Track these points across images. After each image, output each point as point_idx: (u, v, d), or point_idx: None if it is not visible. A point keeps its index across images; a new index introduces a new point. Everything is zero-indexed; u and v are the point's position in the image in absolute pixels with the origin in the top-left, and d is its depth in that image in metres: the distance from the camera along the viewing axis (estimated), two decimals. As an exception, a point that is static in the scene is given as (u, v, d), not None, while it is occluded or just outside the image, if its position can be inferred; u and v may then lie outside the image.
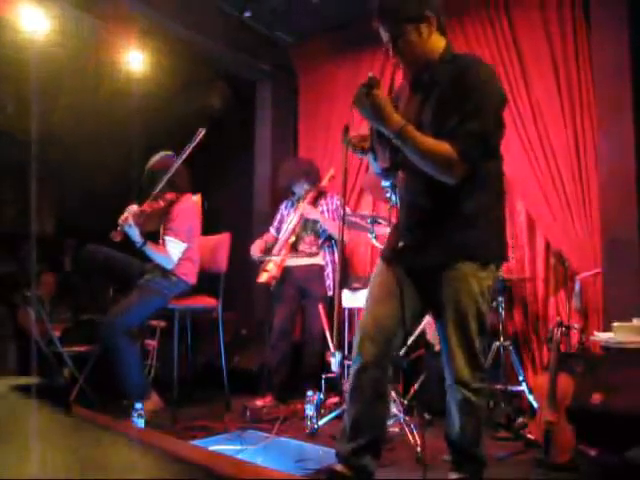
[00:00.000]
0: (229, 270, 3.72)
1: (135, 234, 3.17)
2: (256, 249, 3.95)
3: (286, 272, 3.85)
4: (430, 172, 1.83)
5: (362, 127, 2.00)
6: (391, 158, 1.99)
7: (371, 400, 1.94)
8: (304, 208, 3.88)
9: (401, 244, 1.98)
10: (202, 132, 3.30)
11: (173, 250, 3.32)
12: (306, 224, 3.93)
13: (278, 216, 4.14)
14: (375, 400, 1.94)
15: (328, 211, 3.95)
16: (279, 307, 3.94)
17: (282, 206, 4.16)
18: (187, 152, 3.32)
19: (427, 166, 1.82)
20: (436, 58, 1.92)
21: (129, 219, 3.13)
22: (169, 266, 3.33)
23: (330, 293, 3.92)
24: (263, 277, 3.83)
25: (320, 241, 3.95)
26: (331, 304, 4.26)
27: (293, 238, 3.89)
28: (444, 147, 1.78)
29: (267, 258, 3.86)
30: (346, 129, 1.97)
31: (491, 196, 1.93)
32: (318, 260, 3.93)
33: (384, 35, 1.91)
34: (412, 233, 1.98)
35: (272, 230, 4.11)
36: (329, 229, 3.88)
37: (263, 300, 4.86)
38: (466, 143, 1.78)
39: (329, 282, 3.90)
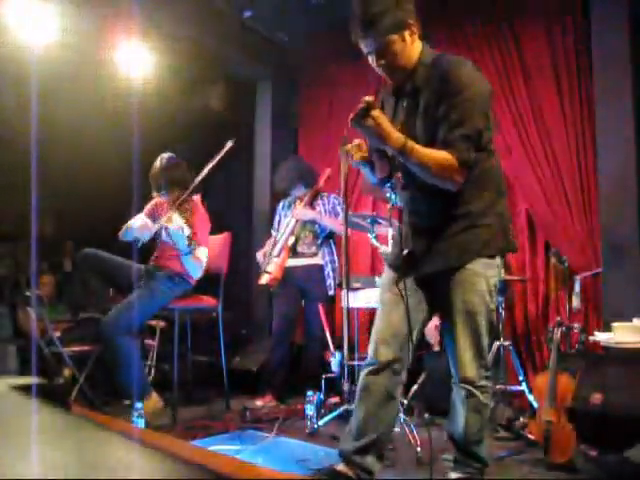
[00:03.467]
0: (229, 270, 3.72)
1: (184, 240, 3.11)
2: (261, 255, 3.97)
3: (286, 273, 3.86)
4: (434, 183, 1.84)
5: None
6: (389, 168, 2.01)
7: (381, 402, 1.95)
8: (299, 212, 3.88)
9: (406, 252, 1.99)
10: (230, 144, 3.27)
11: (204, 258, 3.37)
12: (304, 225, 3.93)
13: (276, 217, 4.14)
14: (385, 402, 1.96)
15: (325, 211, 3.95)
16: (279, 308, 3.94)
17: (279, 207, 4.17)
18: (215, 162, 3.28)
19: (431, 178, 1.84)
20: (416, 63, 1.91)
21: (178, 222, 3.10)
22: (198, 274, 3.38)
23: (330, 292, 3.91)
24: (264, 279, 3.83)
25: (319, 241, 3.95)
26: (332, 304, 4.26)
27: (292, 239, 3.89)
28: (444, 156, 1.79)
29: (268, 257, 3.87)
30: (344, 140, 2.00)
31: (491, 193, 1.94)
32: (317, 260, 3.93)
33: (366, 46, 1.89)
34: (417, 240, 1.99)
35: (274, 232, 4.11)
36: (328, 225, 3.87)
37: (263, 300, 4.86)
38: (462, 149, 1.79)
39: (329, 281, 3.90)
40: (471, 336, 1.90)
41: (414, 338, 1.97)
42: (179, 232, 3.11)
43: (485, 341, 1.92)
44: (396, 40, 1.85)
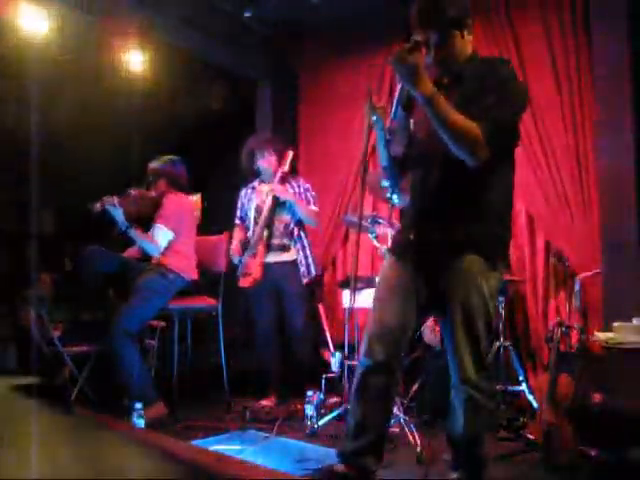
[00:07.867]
0: (229, 270, 3.71)
1: (119, 215, 3.19)
2: (235, 251, 3.81)
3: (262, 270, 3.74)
4: (454, 147, 1.81)
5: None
6: (407, 143, 2.00)
7: (377, 401, 1.94)
8: (276, 188, 3.72)
9: (412, 237, 1.98)
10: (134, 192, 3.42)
11: (160, 237, 3.33)
12: (275, 213, 3.78)
13: (239, 204, 3.96)
14: (381, 402, 1.95)
15: (295, 194, 3.81)
16: (260, 309, 3.84)
17: (241, 193, 3.98)
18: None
19: (452, 138, 1.80)
20: (463, 60, 1.97)
21: (114, 198, 3.16)
22: (155, 253, 3.35)
23: (305, 281, 3.81)
24: (248, 281, 3.72)
25: (290, 228, 3.80)
26: (311, 294, 4.17)
27: (266, 232, 3.76)
28: (471, 124, 1.78)
29: (246, 257, 3.75)
30: (370, 95, 2.01)
31: (500, 195, 1.94)
32: (291, 256, 3.81)
33: (423, 35, 1.89)
34: (424, 223, 1.98)
35: (238, 222, 3.95)
36: (300, 211, 3.75)
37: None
38: (491, 128, 1.78)
39: (303, 269, 3.79)
40: (470, 337, 1.89)
41: (409, 334, 1.96)
42: (112, 206, 3.19)
43: (484, 343, 1.91)
44: (456, 34, 1.92)
